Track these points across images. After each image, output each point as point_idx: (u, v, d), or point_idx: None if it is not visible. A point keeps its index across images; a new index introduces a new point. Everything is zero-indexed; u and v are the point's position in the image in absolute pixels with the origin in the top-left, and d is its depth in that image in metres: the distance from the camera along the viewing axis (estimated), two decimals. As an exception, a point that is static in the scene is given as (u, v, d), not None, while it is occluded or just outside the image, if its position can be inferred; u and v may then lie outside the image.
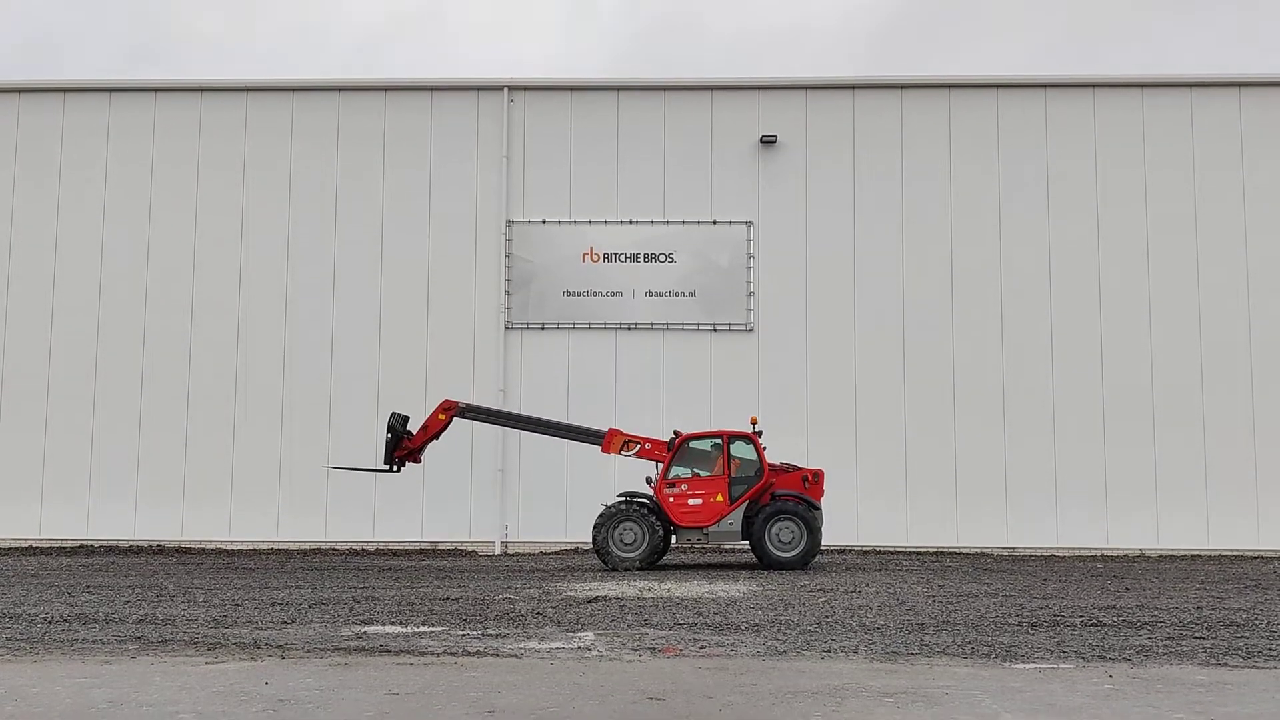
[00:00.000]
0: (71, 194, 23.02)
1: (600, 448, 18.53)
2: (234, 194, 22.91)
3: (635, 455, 18.35)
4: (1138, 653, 9.33)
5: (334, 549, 21.80)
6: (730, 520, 17.70)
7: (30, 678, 8.21)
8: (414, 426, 19.03)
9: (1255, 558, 20.75)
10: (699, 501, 17.71)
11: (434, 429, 18.66)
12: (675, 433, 18.48)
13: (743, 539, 17.87)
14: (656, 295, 22.42)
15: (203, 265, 22.78)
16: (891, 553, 21.13)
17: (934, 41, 55.30)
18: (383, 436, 19.28)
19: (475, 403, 20.08)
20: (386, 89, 23.23)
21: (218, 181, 22.94)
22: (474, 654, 9.25)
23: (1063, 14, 54.82)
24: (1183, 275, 22.07)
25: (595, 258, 22.54)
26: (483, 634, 10.42)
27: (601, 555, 17.70)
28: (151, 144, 23.04)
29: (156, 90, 23.31)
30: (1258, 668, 8.72)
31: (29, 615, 11.71)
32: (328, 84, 23.42)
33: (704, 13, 57.49)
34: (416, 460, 18.94)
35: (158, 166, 23.00)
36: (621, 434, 18.47)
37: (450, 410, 18.66)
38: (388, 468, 18.79)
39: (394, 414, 18.88)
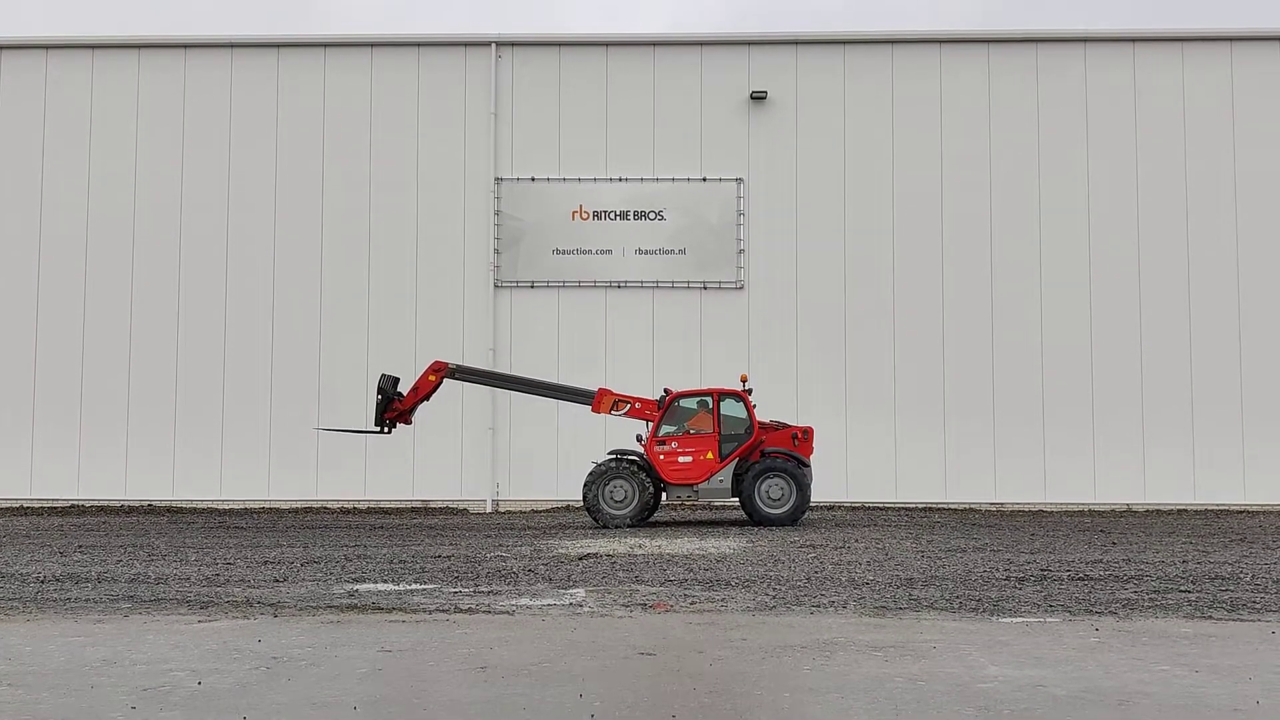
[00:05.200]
0: (54, 150, 22.80)
1: (590, 408, 18.54)
2: (220, 152, 22.69)
3: (625, 415, 18.38)
4: (1124, 606, 9.42)
5: (325, 508, 21.85)
6: (720, 477, 17.76)
7: (23, 637, 8.24)
8: (404, 388, 18.99)
9: (1241, 512, 20.91)
10: (689, 459, 17.77)
11: (424, 390, 18.63)
12: (665, 390, 18.50)
13: (732, 496, 17.95)
14: (646, 253, 22.34)
15: (189, 223, 22.60)
16: (881, 509, 21.26)
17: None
18: (373, 395, 19.24)
19: (465, 363, 20.07)
20: (373, 45, 22.98)
21: (203, 140, 22.71)
22: (466, 611, 9.30)
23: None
24: (1170, 233, 22.05)
25: (585, 215, 22.43)
26: (475, 591, 10.48)
27: (592, 513, 17.77)
28: (135, 102, 22.78)
29: (140, 48, 23.03)
30: (1242, 620, 8.81)
31: (21, 575, 11.73)
32: (313, 40, 23.14)
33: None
34: (407, 421, 18.91)
35: (142, 125, 22.76)
36: (611, 394, 18.48)
37: (440, 371, 18.63)
38: (378, 429, 18.78)
39: (384, 375, 18.83)
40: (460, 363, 19.92)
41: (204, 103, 22.80)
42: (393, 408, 18.55)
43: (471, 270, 22.42)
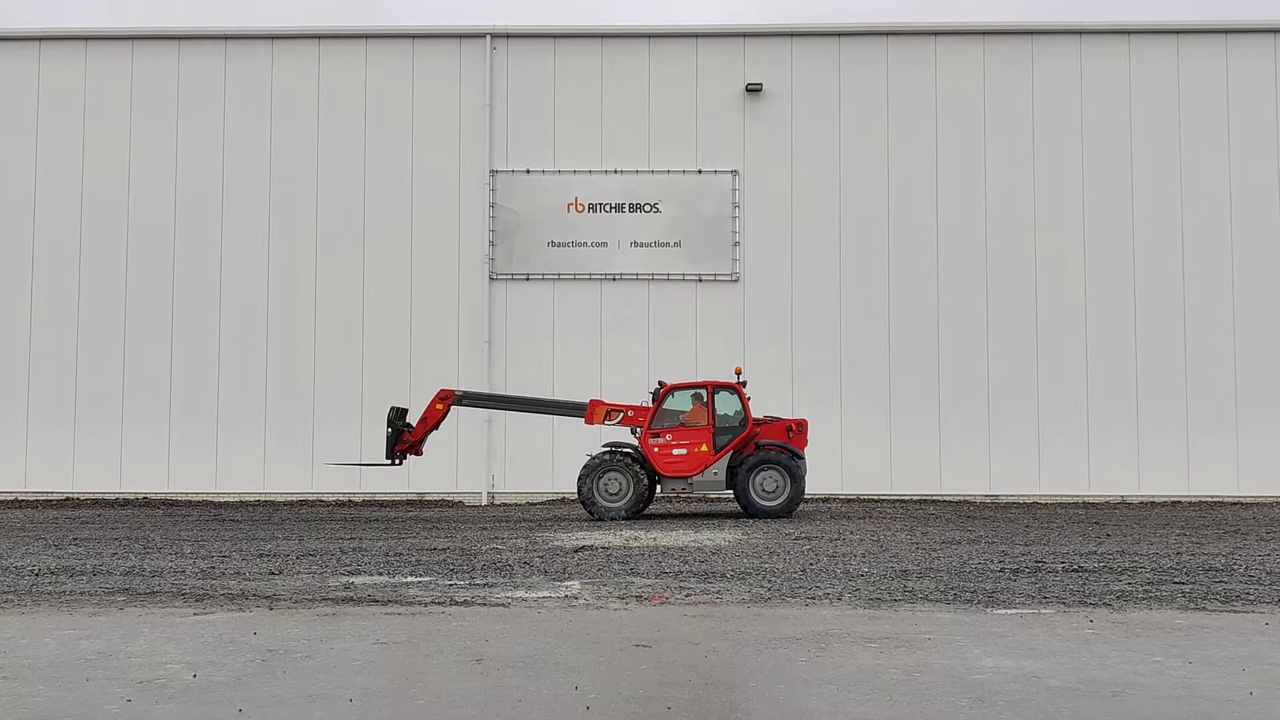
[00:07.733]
0: (48, 143, 22.73)
1: (583, 420, 18.58)
2: (214, 144, 22.63)
3: (619, 424, 18.43)
4: (1118, 598, 9.45)
5: (320, 500, 21.83)
6: (715, 470, 17.78)
7: (18, 630, 8.23)
8: (412, 418, 18.93)
9: (1235, 503, 20.96)
10: (684, 451, 17.79)
11: (433, 420, 18.69)
12: (660, 383, 18.50)
13: (727, 488, 17.97)
14: (642, 245, 22.33)
15: (184, 215, 22.55)
16: (875, 501, 21.28)
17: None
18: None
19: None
20: (367, 37, 22.92)
21: (197, 134, 22.64)
22: (461, 603, 9.30)
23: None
24: (1166, 225, 22.06)
25: (580, 208, 22.41)
26: (470, 584, 10.48)
27: (587, 505, 17.79)
28: (130, 95, 22.71)
29: (134, 39, 22.95)
30: (1235, 612, 8.84)
31: (16, 568, 11.72)
32: (308, 31, 23.08)
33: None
34: (418, 452, 18.96)
35: (137, 117, 22.69)
36: (603, 404, 18.51)
37: (447, 399, 18.73)
38: (390, 462, 18.87)
39: (392, 408, 18.94)
40: (463, 385, 20.12)
41: (199, 94, 22.72)
42: (403, 440, 18.63)
43: (467, 262, 22.39)
